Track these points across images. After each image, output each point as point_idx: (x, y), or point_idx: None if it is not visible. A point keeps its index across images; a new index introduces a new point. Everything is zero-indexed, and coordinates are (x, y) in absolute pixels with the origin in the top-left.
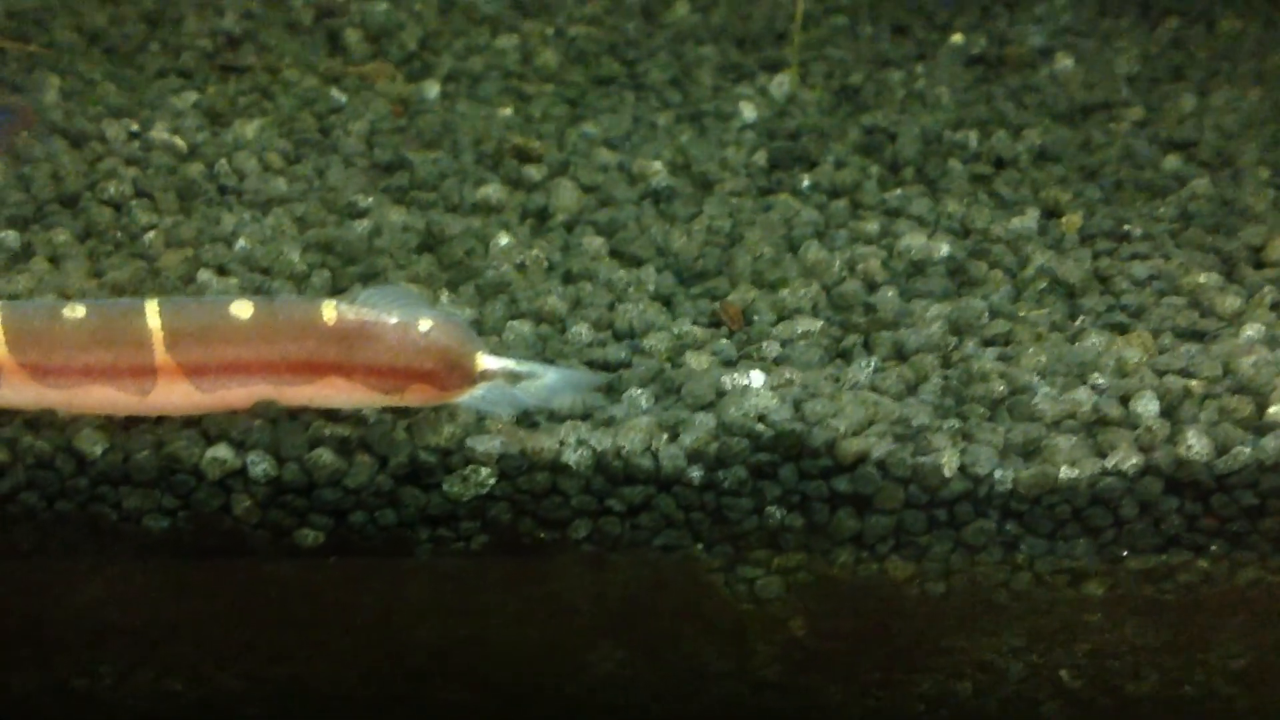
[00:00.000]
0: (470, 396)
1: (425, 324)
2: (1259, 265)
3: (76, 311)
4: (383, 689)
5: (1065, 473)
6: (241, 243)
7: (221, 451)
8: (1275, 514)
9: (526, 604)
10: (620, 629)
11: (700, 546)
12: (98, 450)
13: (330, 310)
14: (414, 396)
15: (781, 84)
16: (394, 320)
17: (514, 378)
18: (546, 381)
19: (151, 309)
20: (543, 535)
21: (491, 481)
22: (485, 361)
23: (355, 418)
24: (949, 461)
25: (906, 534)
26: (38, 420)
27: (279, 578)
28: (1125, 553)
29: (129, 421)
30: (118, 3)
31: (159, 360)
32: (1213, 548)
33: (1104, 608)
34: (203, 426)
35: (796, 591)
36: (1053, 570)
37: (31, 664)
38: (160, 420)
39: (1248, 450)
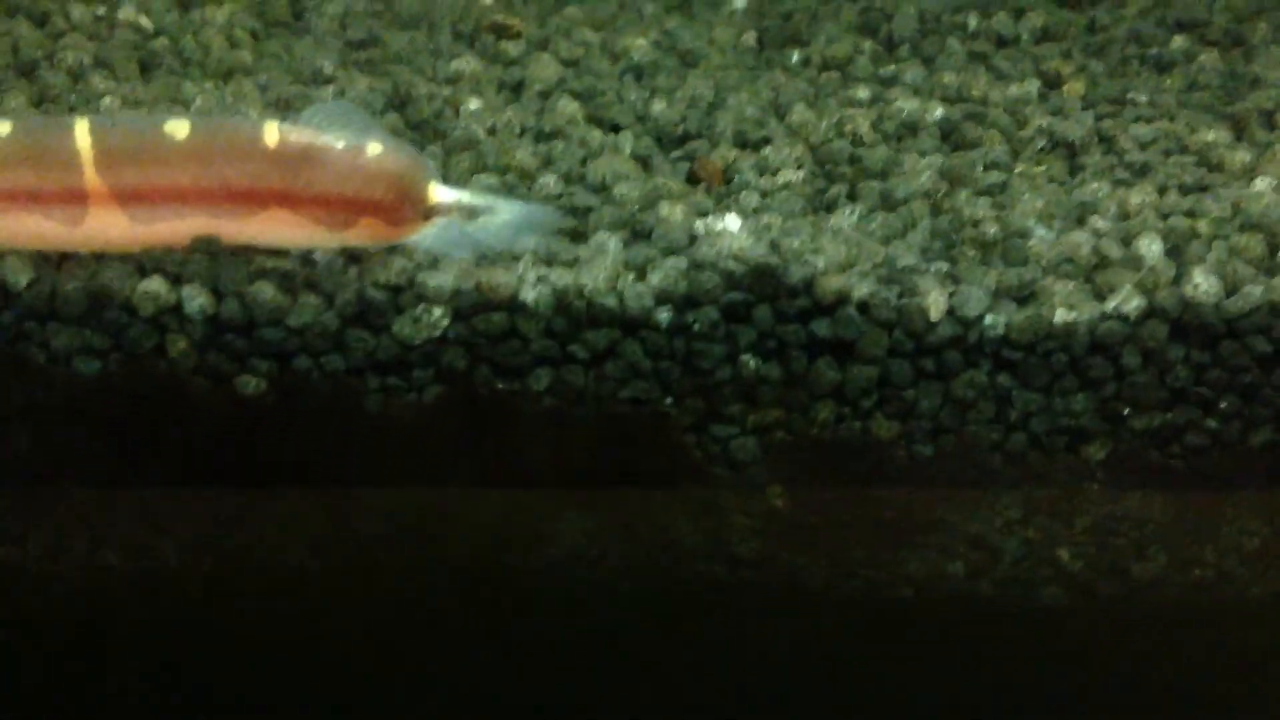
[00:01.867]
0: (423, 234)
1: (375, 147)
2: (1271, 127)
3: (1, 128)
4: (328, 562)
5: (1061, 316)
6: (198, 104)
7: (155, 285)
8: None
9: (483, 468)
10: (585, 496)
11: (670, 401)
12: (22, 281)
13: (273, 131)
14: (363, 233)
15: None
16: (341, 144)
17: (470, 213)
18: (506, 217)
19: (81, 127)
20: (500, 385)
21: (445, 323)
22: (438, 193)
23: (302, 256)
24: (935, 303)
25: (891, 387)
26: None
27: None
28: (1128, 410)
29: (61, 257)
30: None
31: (89, 184)
32: (1223, 405)
33: (1106, 474)
34: (137, 260)
35: (774, 453)
36: (1050, 430)
37: None
38: (95, 256)
39: (1259, 290)
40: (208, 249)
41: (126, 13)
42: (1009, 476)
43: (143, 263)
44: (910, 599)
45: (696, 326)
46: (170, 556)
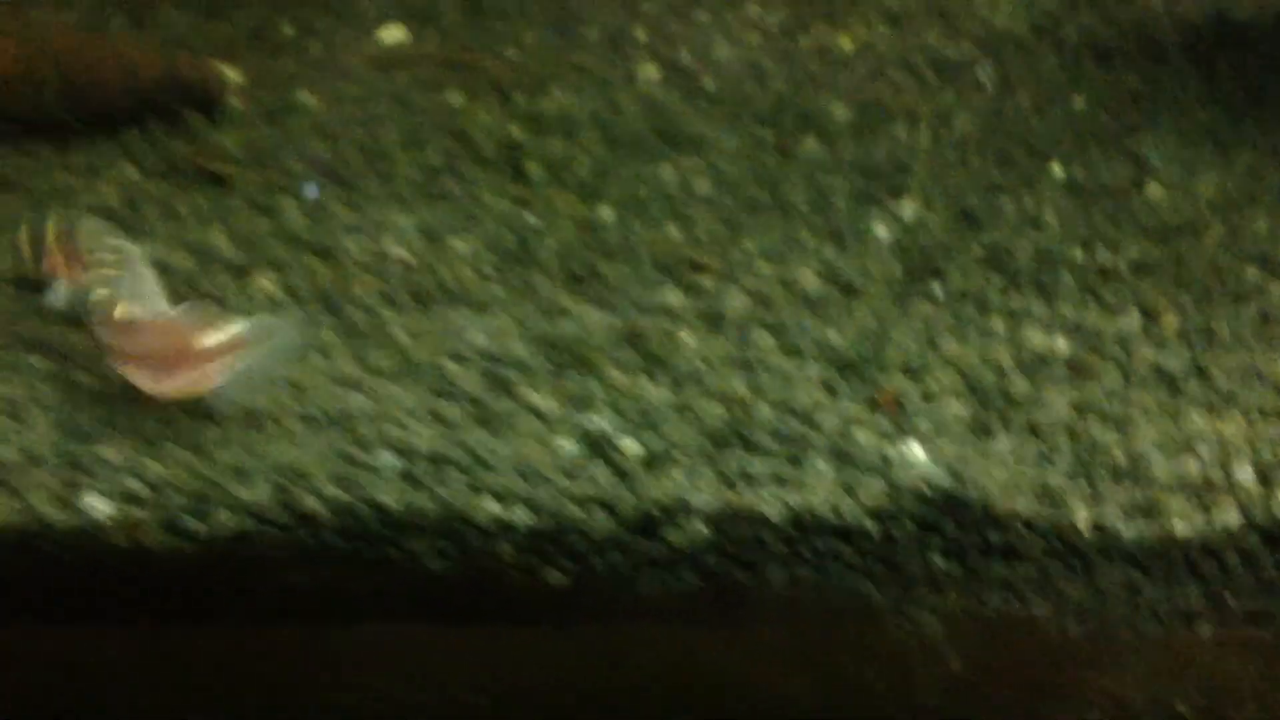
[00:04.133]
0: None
1: None
2: None
3: None
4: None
5: (1177, 527)
6: (475, 338)
7: (492, 504)
8: None
9: (728, 640)
10: (809, 658)
11: (875, 589)
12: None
13: None
14: None
15: (907, 208)
16: None
17: None
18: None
19: None
20: (746, 580)
21: (705, 532)
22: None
23: (588, 477)
24: (1083, 518)
25: (1048, 581)
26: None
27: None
28: (1231, 598)
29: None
30: (336, 139)
31: None
32: None
33: (1213, 647)
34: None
35: (953, 628)
36: (1170, 612)
37: None
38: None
39: None
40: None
41: (389, 246)
42: (1139, 648)
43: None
44: None
45: (895, 534)
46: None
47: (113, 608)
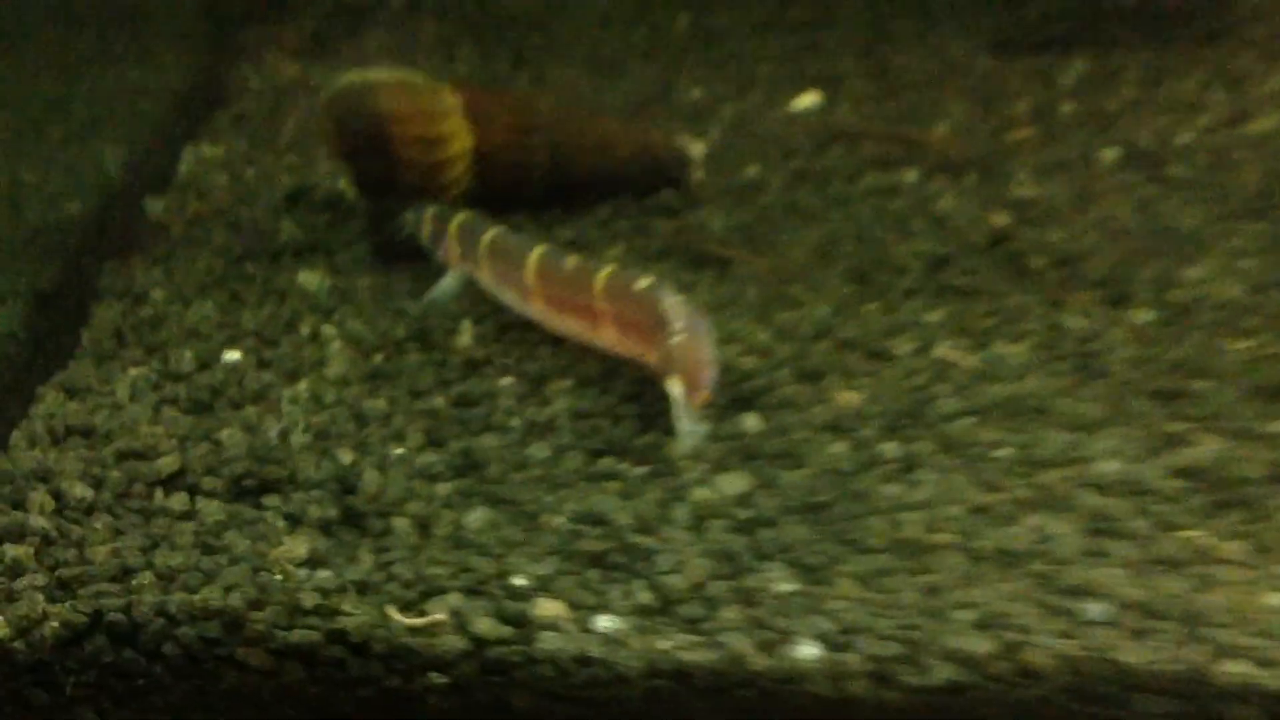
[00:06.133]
0: None
1: None
2: None
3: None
4: None
5: None
6: (1105, 465)
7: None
8: None
9: None
10: None
11: None
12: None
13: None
14: None
15: None
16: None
17: None
18: None
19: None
20: None
21: None
22: None
23: None
24: None
25: None
26: None
27: None
28: None
29: None
30: (816, 222)
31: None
32: None
33: None
34: None
35: None
36: None
37: None
38: None
39: None
40: None
41: (940, 350)
42: None
43: None
44: None
45: None
46: None
47: None
